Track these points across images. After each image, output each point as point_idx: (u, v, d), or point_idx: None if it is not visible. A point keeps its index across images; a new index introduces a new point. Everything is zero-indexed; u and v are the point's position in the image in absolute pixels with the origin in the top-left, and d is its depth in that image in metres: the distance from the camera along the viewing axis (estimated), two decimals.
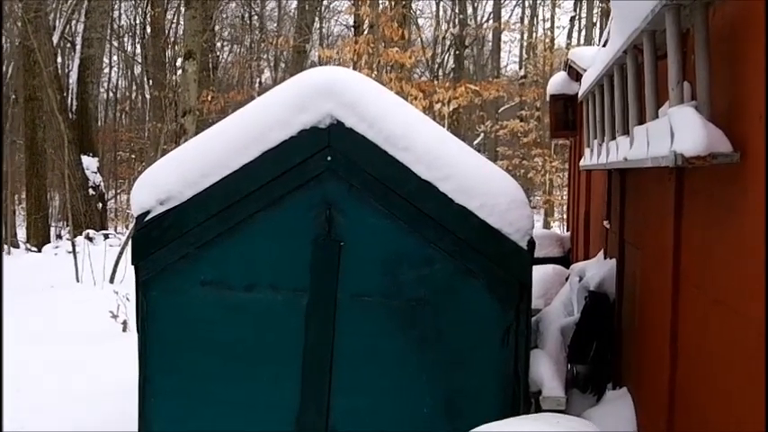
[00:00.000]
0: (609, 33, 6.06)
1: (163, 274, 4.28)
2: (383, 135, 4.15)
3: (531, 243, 4.19)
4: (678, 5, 2.77)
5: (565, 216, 24.91)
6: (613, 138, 4.49)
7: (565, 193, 25.47)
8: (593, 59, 7.12)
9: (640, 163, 3.36)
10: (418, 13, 32.16)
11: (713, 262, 2.99)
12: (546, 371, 4.50)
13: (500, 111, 29.80)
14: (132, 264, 4.38)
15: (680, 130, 2.75)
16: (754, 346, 2.37)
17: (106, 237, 20.37)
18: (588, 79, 5.33)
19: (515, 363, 4.12)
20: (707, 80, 2.80)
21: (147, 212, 4.30)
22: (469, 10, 32.82)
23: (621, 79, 4.14)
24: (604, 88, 4.74)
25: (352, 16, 23.14)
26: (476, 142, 27.90)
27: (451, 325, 4.11)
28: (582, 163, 6.10)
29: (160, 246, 4.28)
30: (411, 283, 4.13)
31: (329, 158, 4.16)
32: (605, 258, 6.18)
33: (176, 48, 30.01)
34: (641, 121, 3.65)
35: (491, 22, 31.34)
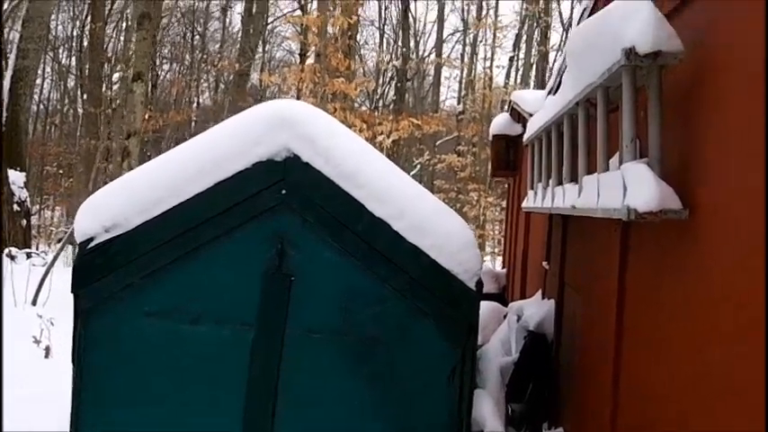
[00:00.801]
0: (556, 80, 6.24)
1: (105, 303, 4.15)
2: (339, 170, 4.18)
3: (480, 284, 4.25)
4: (635, 67, 2.88)
5: (497, 251, 25.26)
6: (560, 183, 4.60)
7: (497, 228, 25.85)
8: (537, 103, 7.33)
9: (590, 212, 3.47)
10: (362, 42, 32.47)
11: (658, 312, 3.10)
12: (487, 410, 4.56)
13: (438, 143, 30.15)
14: (72, 292, 4.22)
15: (633, 186, 2.86)
16: (700, 393, 2.47)
17: (29, 255, 19.72)
18: (535, 124, 5.45)
19: (460, 402, 4.16)
20: (658, 138, 2.91)
21: (91, 239, 4.18)
22: (412, 43, 33.26)
23: (571, 129, 4.25)
24: (552, 135, 4.85)
25: (297, 42, 23.17)
26: (412, 173, 28.15)
27: (401, 364, 4.12)
28: (525, 204, 6.23)
29: (103, 274, 4.16)
30: (363, 320, 4.13)
31: (284, 192, 4.16)
32: (543, 299, 6.30)
33: (115, 63, 29.58)
34: (590, 170, 3.76)
35: (433, 56, 31.82)
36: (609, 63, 3.03)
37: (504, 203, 21.84)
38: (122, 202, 4.23)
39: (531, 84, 29.13)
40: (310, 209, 4.16)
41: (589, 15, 4.76)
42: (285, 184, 4.17)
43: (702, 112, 2.83)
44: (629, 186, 2.90)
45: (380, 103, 32.38)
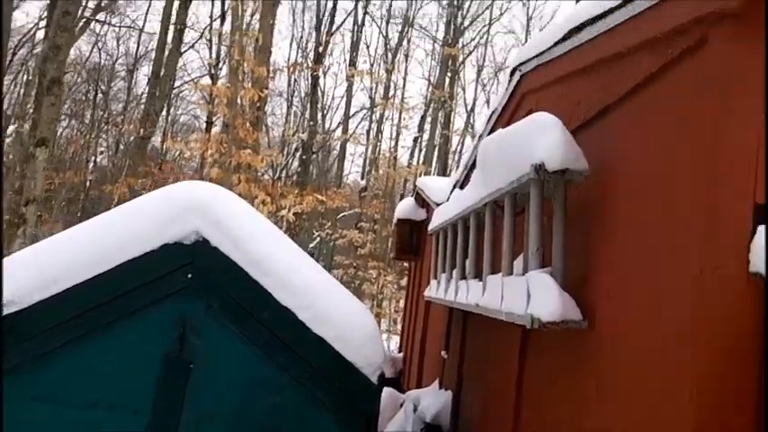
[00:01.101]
0: (462, 174, 6.41)
1: None
2: (248, 257, 4.16)
3: (382, 377, 4.26)
4: (543, 180, 3.01)
5: (392, 329, 25.24)
6: (464, 277, 4.69)
7: (394, 305, 25.87)
8: (442, 193, 7.51)
9: (494, 314, 3.54)
10: (269, 112, 32.56)
11: (554, 408, 3.18)
12: None
13: (339, 216, 30.25)
14: None
15: (537, 294, 2.97)
16: None
17: None
18: (441, 215, 5.57)
19: None
20: (561, 249, 3.04)
21: None
22: (319, 116, 33.59)
23: (477, 226, 4.37)
24: (459, 229, 4.96)
25: (204, 109, 23.04)
26: (311, 245, 28.06)
27: None
28: (427, 293, 6.30)
29: None
30: (262, 409, 4.06)
31: (190, 276, 4.10)
32: (441, 389, 6.33)
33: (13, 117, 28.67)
34: (494, 269, 3.86)
35: (339, 131, 32.22)
36: (519, 173, 3.16)
37: (402, 282, 21.98)
38: (22, 277, 4.05)
39: (434, 164, 29.77)
40: (216, 294, 4.11)
41: (498, 118, 4.95)
42: (192, 268, 4.11)
43: (600, 227, 2.99)
44: (534, 294, 3.01)
45: (284, 173, 32.38)
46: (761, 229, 2.01)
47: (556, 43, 3.31)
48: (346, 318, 4.25)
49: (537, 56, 3.70)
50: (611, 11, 2.60)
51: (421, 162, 29.77)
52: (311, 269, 4.48)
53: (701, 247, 2.04)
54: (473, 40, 33.10)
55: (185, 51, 27.32)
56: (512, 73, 4.31)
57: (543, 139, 2.91)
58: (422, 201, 9.22)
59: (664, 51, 2.38)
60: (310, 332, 4.13)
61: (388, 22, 32.46)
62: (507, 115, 4.74)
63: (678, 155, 2.29)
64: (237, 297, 4.12)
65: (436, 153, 30.08)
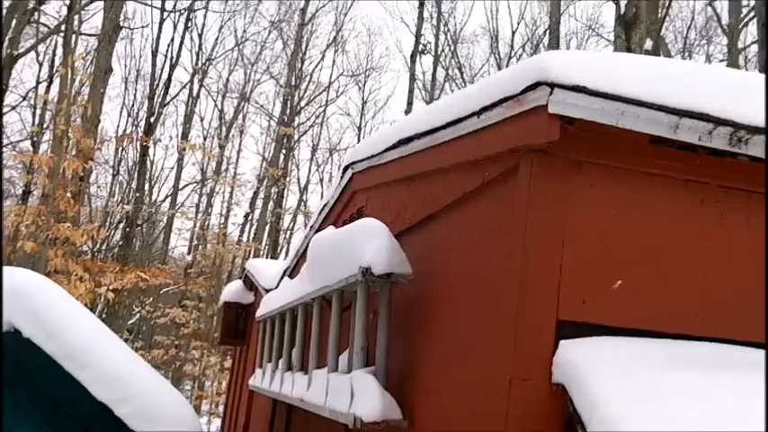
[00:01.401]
0: (293, 261, 6.46)
1: None
2: (63, 349, 3.97)
3: None
4: (369, 282, 3.13)
5: (213, 411, 24.43)
6: (289, 369, 4.70)
7: (216, 386, 25.09)
8: (272, 279, 7.51)
9: (318, 410, 3.58)
10: (92, 180, 31.36)
11: None
12: None
13: (161, 292, 29.25)
14: None
15: (360, 395, 3.05)
16: None
17: None
18: (270, 304, 5.56)
19: None
20: (385, 349, 3.16)
21: None
22: (146, 187, 32.68)
23: (305, 319, 4.42)
24: (286, 319, 4.98)
25: (21, 178, 21.89)
26: (130, 322, 26.89)
27: None
28: (252, 383, 6.23)
29: None
30: None
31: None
32: None
33: None
34: (320, 363, 3.91)
35: (167, 204, 31.49)
36: (347, 274, 3.27)
37: (227, 363, 21.41)
38: None
39: (264, 242, 29.61)
40: (26, 388, 3.89)
41: (330, 211, 5.08)
42: (2, 361, 3.88)
43: (423, 327, 3.14)
44: (357, 394, 3.09)
45: (105, 246, 31.09)
46: (562, 343, 2.20)
47: (386, 149, 3.49)
48: (168, 412, 4.12)
49: (368, 158, 3.87)
50: (435, 129, 2.79)
51: (251, 239, 29.55)
52: (132, 361, 4.34)
53: (511, 359, 2.20)
54: (308, 119, 33.68)
55: (7, 113, 26.05)
56: (344, 170, 4.47)
57: (371, 244, 3.04)
58: (250, 284, 9.15)
59: (482, 173, 2.59)
60: (127, 429, 3.97)
61: (224, 96, 32.46)
62: (339, 209, 4.88)
63: (492, 270, 2.47)
64: (49, 391, 3.92)
65: (267, 230, 29.97)
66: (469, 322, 2.66)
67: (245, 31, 32.81)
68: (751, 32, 22.65)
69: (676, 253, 2.36)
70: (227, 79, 32.37)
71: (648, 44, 9.85)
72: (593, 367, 2.11)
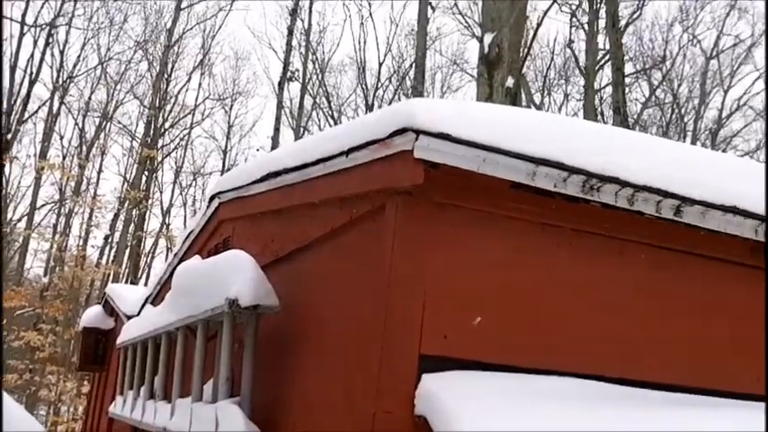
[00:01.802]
0: (156, 288, 6.34)
1: None
2: None
3: None
4: (236, 313, 3.14)
5: None
6: (152, 397, 4.61)
7: (73, 413, 24.05)
8: (134, 305, 7.33)
9: None
10: None
11: None
12: None
13: (16, 314, 27.85)
14: None
15: (225, 424, 3.05)
16: None
17: None
18: (132, 330, 5.44)
19: None
20: (250, 380, 3.17)
21: None
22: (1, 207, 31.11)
23: (169, 347, 4.35)
24: (148, 347, 4.88)
25: None
26: None
27: None
28: (112, 410, 6.05)
29: None
30: None
31: None
32: None
33: None
34: (183, 392, 3.86)
35: (22, 224, 30.07)
36: (213, 304, 3.27)
37: (84, 388, 20.57)
38: None
39: (125, 265, 28.71)
40: None
41: (195, 239, 5.04)
42: None
43: (291, 357, 3.17)
44: (221, 424, 3.08)
45: None
46: (424, 376, 2.29)
47: (254, 181, 3.51)
48: None
49: (236, 188, 3.88)
50: (306, 165, 2.85)
51: (111, 262, 28.56)
52: None
53: (375, 391, 2.27)
54: (173, 141, 32.95)
55: None
56: (210, 199, 4.45)
57: (238, 275, 3.06)
58: (111, 309, 8.88)
59: (351, 210, 2.66)
60: None
61: (85, 115, 31.30)
62: (204, 238, 4.85)
63: (359, 305, 2.54)
64: None
65: (128, 254, 29.05)
66: (337, 355, 2.71)
67: (108, 49, 31.78)
68: (606, 74, 24.01)
69: (533, 292, 2.50)
70: (89, 98, 31.28)
71: (510, 82, 10.28)
72: (453, 399, 2.20)
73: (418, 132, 2.15)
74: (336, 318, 2.77)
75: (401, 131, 2.18)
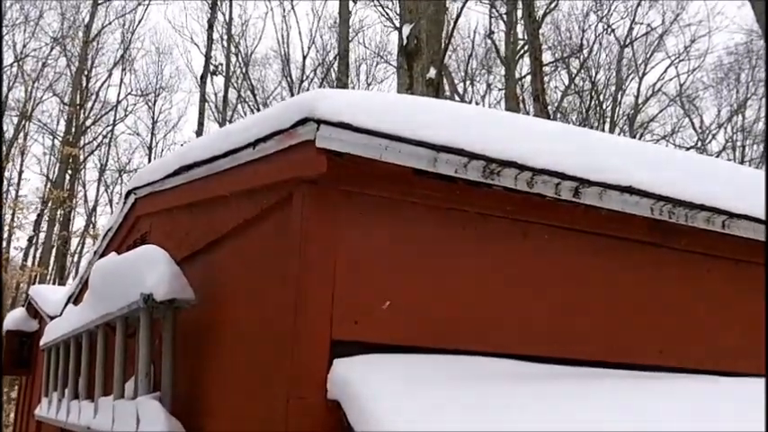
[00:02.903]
0: (77, 287, 6.26)
1: None
2: None
3: None
4: (152, 308, 3.14)
5: None
6: (76, 397, 4.57)
7: (4, 419, 23.45)
8: (58, 306, 7.21)
9: None
10: None
11: None
12: None
13: None
14: None
15: (145, 420, 3.07)
16: None
17: None
18: (54, 331, 5.37)
19: None
20: (171, 374, 3.18)
21: None
22: None
23: (90, 346, 4.32)
24: (71, 347, 4.83)
25: None
26: None
27: None
28: (38, 413, 5.96)
29: None
30: None
31: None
32: None
33: None
34: (107, 390, 3.85)
35: None
36: (130, 300, 3.27)
37: (13, 394, 20.07)
38: None
39: (51, 266, 28.08)
40: None
41: (113, 237, 4.99)
42: None
43: (209, 349, 3.19)
44: (143, 420, 3.09)
45: None
46: (336, 361, 2.35)
47: (167, 176, 3.51)
48: None
49: (150, 183, 3.87)
50: (215, 158, 2.87)
51: (36, 264, 27.87)
52: None
53: (287, 378, 2.31)
54: (95, 138, 32.26)
55: None
56: (127, 195, 4.42)
57: (152, 271, 3.07)
58: (34, 311, 8.72)
59: (261, 201, 2.69)
60: None
61: (2, 115, 30.35)
62: (122, 235, 4.81)
63: (271, 294, 2.58)
64: None
65: (54, 254, 28.39)
66: (251, 344, 2.75)
67: (24, 46, 30.89)
68: (526, 64, 24.43)
69: (441, 275, 2.58)
70: (6, 96, 30.35)
71: (432, 73, 10.38)
72: (364, 383, 2.26)
73: (319, 122, 2.20)
74: (251, 308, 2.81)
75: (303, 122, 2.22)
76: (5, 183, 29.24)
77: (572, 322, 2.78)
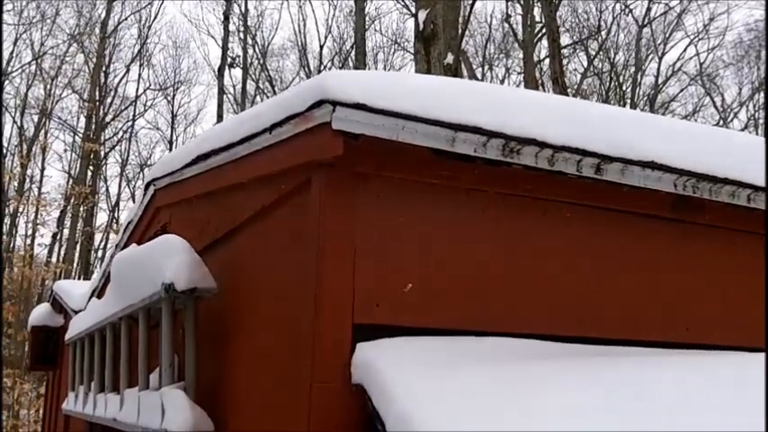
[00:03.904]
0: (101, 281, 6.28)
1: None
2: None
3: None
4: (173, 297, 3.14)
5: None
6: (102, 390, 4.59)
7: (33, 415, 23.72)
8: (82, 300, 7.25)
9: (132, 429, 3.55)
10: None
11: None
12: None
13: None
14: None
15: (171, 410, 3.06)
16: None
17: None
18: (78, 325, 5.40)
19: None
20: (194, 363, 3.18)
21: None
22: None
23: (114, 339, 4.33)
24: (96, 341, 4.85)
25: None
26: None
27: None
28: (65, 407, 6.00)
29: None
30: None
31: None
32: None
33: None
34: (131, 382, 3.86)
35: None
36: (151, 291, 3.27)
37: (42, 389, 20.30)
38: None
39: (76, 262, 28.30)
40: None
41: (134, 229, 5.00)
42: None
43: (232, 338, 3.19)
44: (168, 410, 3.09)
45: None
46: (359, 345, 2.33)
47: (185, 166, 3.50)
48: None
49: (169, 174, 3.86)
50: (232, 145, 2.85)
51: (61, 261, 28.10)
52: None
53: (310, 363, 2.30)
54: (116, 134, 32.46)
55: None
56: (146, 187, 4.42)
57: (172, 260, 3.06)
58: (59, 306, 8.77)
59: (279, 186, 2.68)
60: None
61: (23, 112, 30.60)
62: (143, 227, 4.82)
63: (292, 279, 2.56)
64: None
65: (78, 250, 28.61)
66: (273, 331, 2.74)
67: (42, 44, 31.07)
68: (544, 46, 24.27)
69: (461, 256, 2.55)
70: (26, 94, 30.57)
71: (450, 58, 10.32)
72: (388, 367, 2.24)
73: (335, 104, 2.17)
74: (272, 295, 2.79)
75: (318, 104, 2.20)
76: (28, 180, 29.50)
77: (596, 301, 2.75)
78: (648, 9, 29.59)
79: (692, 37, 30.09)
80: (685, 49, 30.43)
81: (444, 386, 2.17)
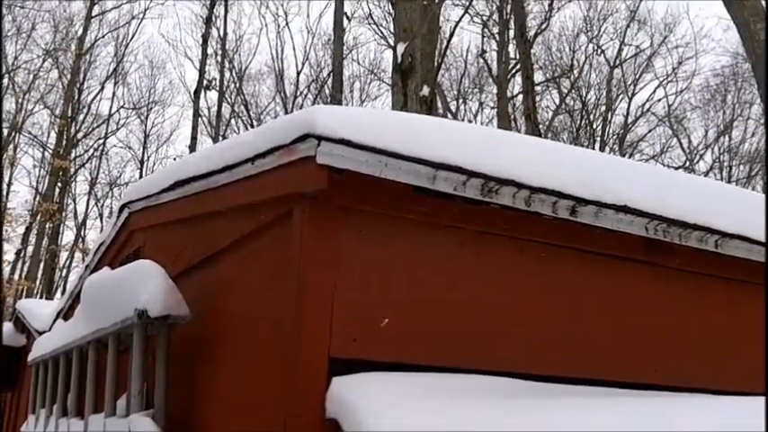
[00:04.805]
0: (67, 302, 6.21)
1: None
2: None
3: None
4: (146, 324, 3.11)
5: None
6: (65, 414, 4.52)
7: None
8: (46, 321, 7.15)
9: None
10: None
11: None
12: None
13: None
14: None
15: None
16: None
17: None
18: (43, 347, 5.31)
19: None
20: (164, 391, 3.15)
21: None
22: None
23: (80, 362, 4.27)
24: (60, 363, 4.78)
25: None
26: None
27: None
28: (24, 429, 5.89)
29: None
30: None
31: None
32: None
33: None
34: (97, 408, 3.80)
35: None
36: (123, 316, 3.23)
37: None
38: None
39: (39, 280, 27.87)
40: None
41: (106, 251, 4.96)
42: None
43: (205, 365, 3.17)
44: None
45: None
46: (335, 379, 2.33)
47: (163, 190, 3.50)
48: None
49: (145, 198, 3.85)
50: (213, 173, 2.86)
51: (24, 278, 27.65)
52: None
53: (285, 396, 2.30)
54: (86, 151, 32.13)
55: None
56: (120, 209, 4.40)
57: (146, 286, 3.04)
58: (22, 326, 8.64)
59: (258, 217, 2.69)
60: None
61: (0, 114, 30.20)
62: (115, 249, 4.78)
63: (270, 311, 2.57)
64: None
65: (42, 268, 28.19)
66: (248, 362, 2.73)
67: (16, 57, 30.78)
68: (518, 83, 24.59)
69: (439, 292, 2.57)
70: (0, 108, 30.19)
71: (426, 91, 10.43)
72: (362, 400, 2.24)
73: (320, 138, 2.20)
74: (248, 325, 2.79)
75: (303, 138, 2.23)
76: None
77: (568, 340, 2.78)
78: (620, 50, 30.20)
79: (661, 79, 30.68)
80: (654, 91, 30.92)
81: (420, 422, 2.17)
